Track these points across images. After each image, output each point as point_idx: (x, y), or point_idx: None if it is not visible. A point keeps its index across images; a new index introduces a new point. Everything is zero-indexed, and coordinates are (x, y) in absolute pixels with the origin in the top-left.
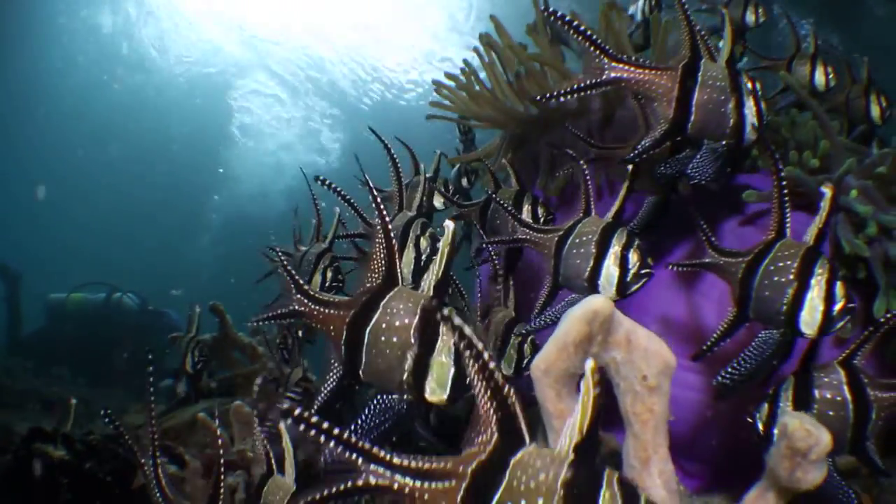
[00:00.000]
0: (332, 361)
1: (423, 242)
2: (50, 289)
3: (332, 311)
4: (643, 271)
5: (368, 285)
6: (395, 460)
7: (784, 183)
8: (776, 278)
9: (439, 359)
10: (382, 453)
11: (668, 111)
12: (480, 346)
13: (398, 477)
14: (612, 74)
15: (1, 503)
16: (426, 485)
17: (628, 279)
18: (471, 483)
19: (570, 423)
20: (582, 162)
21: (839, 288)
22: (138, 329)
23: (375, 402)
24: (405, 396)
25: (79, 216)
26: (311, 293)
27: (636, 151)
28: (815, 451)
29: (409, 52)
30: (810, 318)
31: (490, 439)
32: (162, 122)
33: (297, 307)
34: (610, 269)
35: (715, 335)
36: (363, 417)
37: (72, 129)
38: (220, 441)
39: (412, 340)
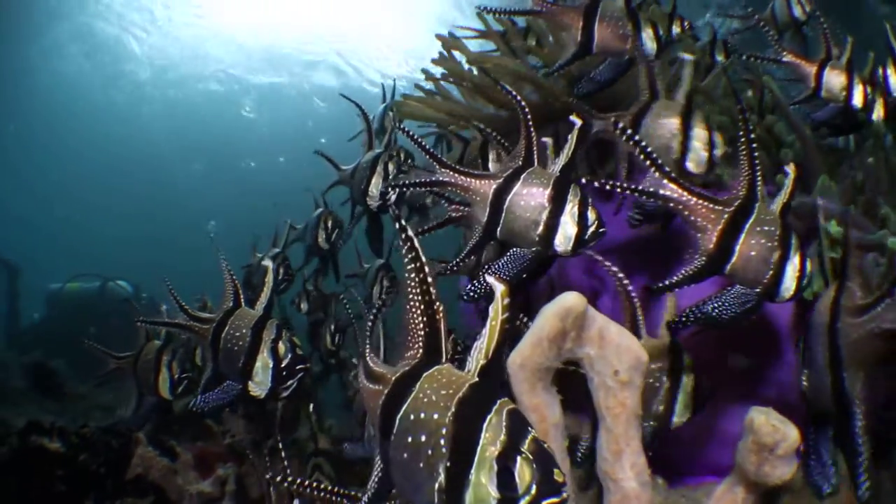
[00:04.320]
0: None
1: (391, 166)
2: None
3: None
4: (601, 230)
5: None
6: (367, 358)
7: (754, 145)
8: (763, 241)
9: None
10: (366, 352)
11: (577, 38)
12: (424, 266)
13: (363, 374)
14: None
15: None
16: (368, 385)
17: (586, 237)
18: (391, 390)
19: (476, 346)
20: (521, 100)
21: (808, 261)
22: (130, 317)
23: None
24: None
25: (78, 214)
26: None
27: (555, 67)
28: (782, 446)
29: (394, 50)
30: (791, 285)
31: (416, 354)
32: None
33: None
34: (568, 226)
35: (678, 278)
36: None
37: (71, 129)
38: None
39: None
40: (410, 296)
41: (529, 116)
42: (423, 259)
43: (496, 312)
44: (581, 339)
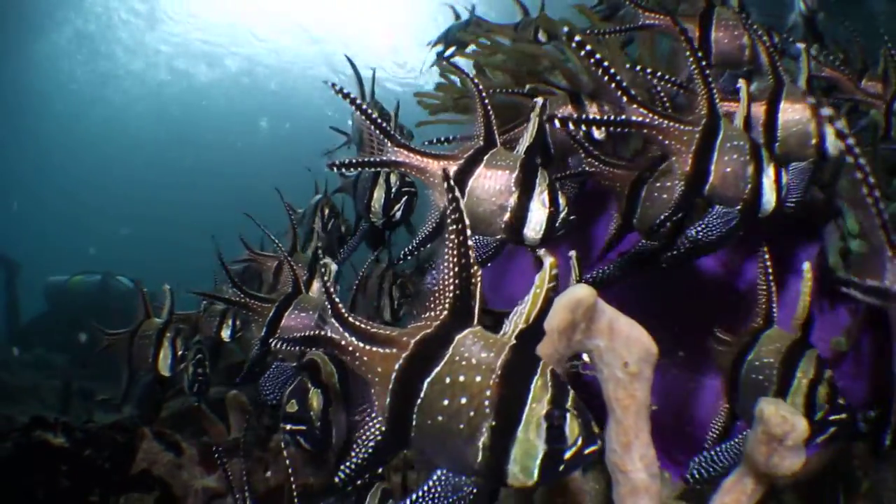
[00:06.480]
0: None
1: (394, 179)
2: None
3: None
4: (571, 217)
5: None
6: (350, 319)
7: (704, 63)
8: (736, 156)
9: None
10: (343, 312)
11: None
12: (464, 219)
13: (347, 335)
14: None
15: (0, 490)
16: (367, 347)
17: (557, 224)
18: (413, 352)
19: (518, 311)
20: (477, 82)
21: (783, 171)
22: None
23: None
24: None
25: (76, 212)
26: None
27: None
28: (791, 437)
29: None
30: (771, 197)
31: (439, 315)
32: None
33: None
34: (537, 213)
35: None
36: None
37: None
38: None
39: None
40: (446, 254)
41: (485, 95)
42: (466, 221)
43: (542, 281)
44: (591, 330)
